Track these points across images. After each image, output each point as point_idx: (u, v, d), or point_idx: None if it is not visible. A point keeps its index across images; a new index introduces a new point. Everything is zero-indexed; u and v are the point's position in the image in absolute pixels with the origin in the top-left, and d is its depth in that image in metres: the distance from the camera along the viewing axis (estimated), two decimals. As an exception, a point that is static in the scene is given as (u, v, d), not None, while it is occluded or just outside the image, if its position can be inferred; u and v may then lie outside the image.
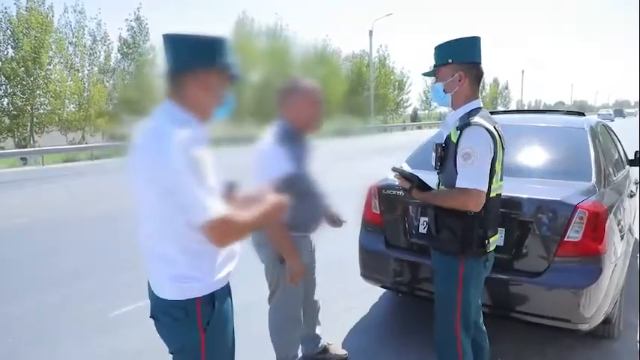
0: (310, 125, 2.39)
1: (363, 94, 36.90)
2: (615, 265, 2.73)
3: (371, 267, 3.30)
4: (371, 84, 37.03)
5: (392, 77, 44.21)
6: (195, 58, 1.48)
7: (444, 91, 2.17)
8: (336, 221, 2.61)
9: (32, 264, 5.26)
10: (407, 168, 2.36)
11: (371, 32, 37.58)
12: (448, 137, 2.12)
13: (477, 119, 2.04)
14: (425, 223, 3.02)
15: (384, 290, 3.77)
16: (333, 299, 3.75)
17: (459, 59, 2.12)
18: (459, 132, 2.04)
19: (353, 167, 12.17)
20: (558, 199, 2.64)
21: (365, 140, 24.30)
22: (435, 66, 2.22)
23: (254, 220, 1.51)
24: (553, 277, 2.59)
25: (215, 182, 1.51)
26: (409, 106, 48.88)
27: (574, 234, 2.58)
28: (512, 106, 70.72)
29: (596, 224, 2.59)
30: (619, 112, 63.42)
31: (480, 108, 2.14)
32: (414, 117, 50.21)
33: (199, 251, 1.48)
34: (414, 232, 3.09)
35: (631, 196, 3.80)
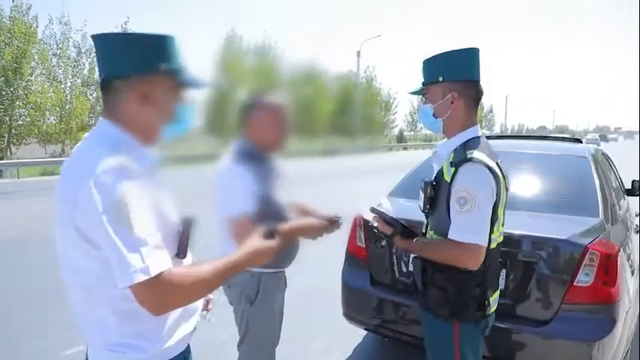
0: (273, 145, 2.11)
1: (350, 114, 36.90)
2: (628, 311, 2.44)
3: (354, 306, 2.96)
4: (358, 104, 37.07)
5: (379, 98, 44.40)
6: (127, 62, 1.16)
7: (433, 115, 1.82)
8: (334, 223, 2.10)
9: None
10: (387, 206, 1.99)
11: (359, 53, 37.82)
12: (440, 174, 1.75)
13: (476, 154, 1.65)
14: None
15: (369, 329, 3.42)
16: (311, 336, 3.39)
17: (452, 76, 1.76)
18: (453, 169, 1.68)
19: (345, 187, 11.83)
20: (566, 238, 2.35)
21: (352, 160, 24.03)
22: (423, 84, 1.86)
23: (216, 274, 1.17)
24: (561, 328, 2.28)
25: (166, 219, 1.19)
26: (395, 127, 49.08)
27: (584, 278, 2.29)
28: (496, 130, 72.08)
29: (609, 267, 2.30)
30: (603, 137, 68.58)
31: (478, 137, 1.78)
32: (400, 138, 50.31)
33: (137, 312, 1.12)
34: (403, 269, 2.77)
35: (637, 232, 3.53)
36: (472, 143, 1.74)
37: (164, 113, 1.24)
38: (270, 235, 1.43)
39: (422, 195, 1.81)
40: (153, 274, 1.03)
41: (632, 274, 2.70)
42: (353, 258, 3.01)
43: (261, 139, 2.08)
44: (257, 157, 2.06)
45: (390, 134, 49.46)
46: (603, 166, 3.48)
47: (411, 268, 2.69)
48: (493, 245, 1.73)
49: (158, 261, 1.05)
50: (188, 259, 1.32)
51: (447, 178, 1.69)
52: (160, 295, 1.05)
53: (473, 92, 1.79)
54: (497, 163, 1.73)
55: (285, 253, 2.13)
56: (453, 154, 1.74)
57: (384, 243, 2.83)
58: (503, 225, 1.82)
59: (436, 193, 1.74)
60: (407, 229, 1.85)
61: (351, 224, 3.06)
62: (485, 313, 1.76)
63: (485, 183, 1.63)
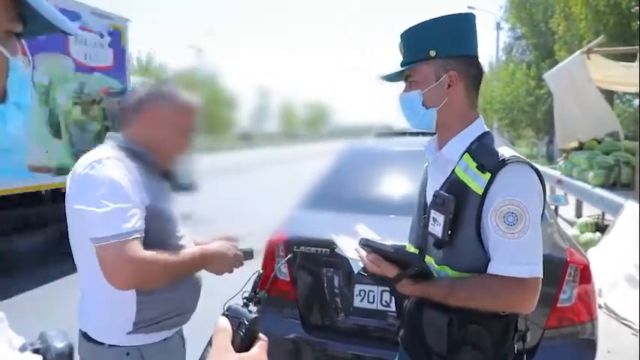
0: (171, 154, 1.56)
1: (193, 112, 35.28)
2: None
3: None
4: (201, 102, 35.68)
5: (222, 95, 43.29)
6: None
7: (423, 104, 1.29)
8: (249, 252, 1.65)
9: None
10: (365, 234, 1.36)
11: (200, 50, 36.47)
12: (456, 183, 1.25)
13: (509, 152, 1.23)
14: (362, 292, 2.11)
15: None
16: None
17: (448, 51, 1.28)
18: (488, 175, 1.19)
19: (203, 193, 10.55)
20: (546, 252, 2.00)
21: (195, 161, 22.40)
22: (404, 64, 1.32)
23: None
24: (549, 358, 1.93)
25: None
26: (239, 125, 48.31)
27: (566, 297, 1.97)
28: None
29: (587, 280, 2.02)
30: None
31: (490, 133, 1.33)
32: (246, 136, 49.62)
33: None
34: (350, 306, 2.14)
35: None
36: (489, 140, 1.30)
37: None
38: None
39: (436, 217, 1.25)
40: None
41: None
42: (273, 297, 2.28)
43: (159, 142, 1.49)
44: (151, 165, 1.47)
45: (235, 132, 48.59)
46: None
47: (360, 303, 2.11)
48: None
49: None
50: None
51: (477, 189, 1.20)
52: None
53: (474, 71, 1.31)
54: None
55: (181, 300, 1.47)
56: (468, 156, 1.25)
57: (315, 271, 2.18)
58: None
59: (458, 212, 1.21)
60: (426, 268, 1.26)
61: (263, 251, 2.34)
62: None
63: (536, 192, 1.23)
